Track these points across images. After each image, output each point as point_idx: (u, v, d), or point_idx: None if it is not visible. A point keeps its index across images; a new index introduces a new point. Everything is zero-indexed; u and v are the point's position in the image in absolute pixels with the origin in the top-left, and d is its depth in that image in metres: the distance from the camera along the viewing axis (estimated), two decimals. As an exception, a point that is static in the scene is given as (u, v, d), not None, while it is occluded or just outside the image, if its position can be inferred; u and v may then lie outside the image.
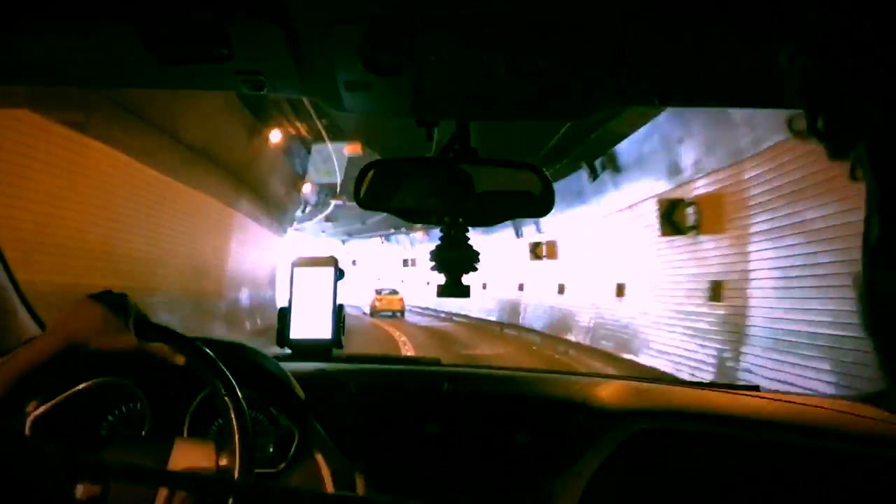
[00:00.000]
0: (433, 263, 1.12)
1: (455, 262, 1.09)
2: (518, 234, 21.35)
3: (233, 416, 0.94)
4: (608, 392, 1.23)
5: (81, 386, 1.04)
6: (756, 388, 1.31)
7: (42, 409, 1.04)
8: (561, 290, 17.75)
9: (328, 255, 1.35)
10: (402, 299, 28.85)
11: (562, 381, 1.28)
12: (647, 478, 1.10)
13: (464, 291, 1.27)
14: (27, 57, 0.96)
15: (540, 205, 1.12)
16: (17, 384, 0.87)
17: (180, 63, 0.89)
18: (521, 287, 21.13)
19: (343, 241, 43.88)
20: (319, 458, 1.17)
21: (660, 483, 1.10)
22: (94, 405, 1.04)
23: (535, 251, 19.25)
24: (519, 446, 1.18)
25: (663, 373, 9.81)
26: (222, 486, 0.69)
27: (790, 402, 1.23)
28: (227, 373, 0.93)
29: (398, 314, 27.92)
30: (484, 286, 24.67)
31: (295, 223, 27.61)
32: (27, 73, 1.05)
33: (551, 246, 18.65)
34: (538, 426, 1.17)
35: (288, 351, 1.33)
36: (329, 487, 1.15)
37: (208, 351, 0.95)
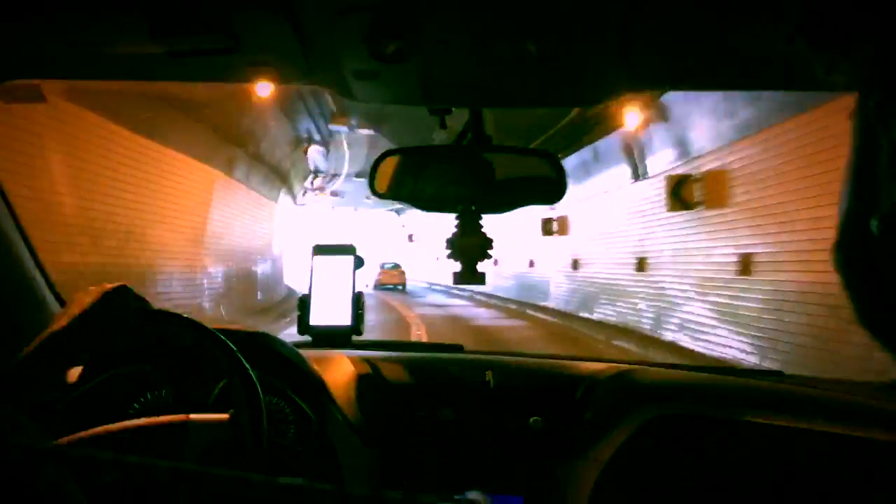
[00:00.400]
0: (448, 252, 1.16)
1: (469, 250, 1.15)
2: (639, 172, 13.63)
3: (241, 394, 1.01)
4: (626, 377, 1.25)
5: (105, 375, 1.12)
6: (779, 373, 1.31)
7: (73, 395, 1.13)
8: (745, 267, 9.36)
9: (348, 242, 1.40)
10: (403, 273, 33.34)
11: (579, 367, 1.31)
12: (663, 464, 1.12)
13: (479, 279, 1.35)
14: (36, 51, 1.03)
15: (553, 190, 1.16)
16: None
17: (188, 55, 0.95)
18: (640, 265, 13.74)
19: (398, 212, 40.31)
20: (336, 442, 1.24)
21: (677, 470, 1.12)
22: (120, 393, 1.12)
23: (679, 194, 10.59)
24: (533, 432, 1.22)
25: None
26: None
27: (815, 387, 1.23)
28: (238, 354, 1.00)
29: (399, 286, 32.13)
30: (574, 265, 18.38)
31: (324, 186, 26.47)
32: (36, 67, 1.12)
33: (717, 180, 9.87)
34: (553, 412, 1.21)
35: (308, 338, 1.39)
36: (344, 472, 1.22)
37: (219, 334, 1.02)
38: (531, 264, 21.96)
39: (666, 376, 1.45)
